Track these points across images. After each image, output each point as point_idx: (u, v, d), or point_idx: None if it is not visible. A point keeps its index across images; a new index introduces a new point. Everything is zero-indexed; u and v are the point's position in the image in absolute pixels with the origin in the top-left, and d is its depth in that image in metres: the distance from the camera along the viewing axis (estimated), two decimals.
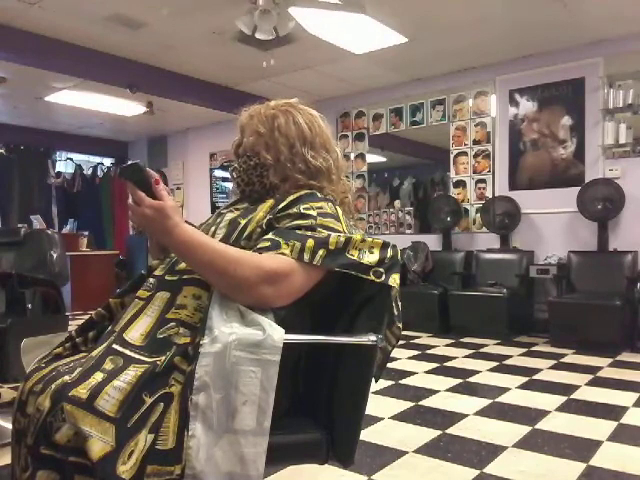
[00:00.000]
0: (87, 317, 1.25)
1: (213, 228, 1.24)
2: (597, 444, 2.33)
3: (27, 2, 4.05)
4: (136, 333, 1.07)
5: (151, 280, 1.17)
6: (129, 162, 1.04)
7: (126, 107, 6.70)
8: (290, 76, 5.79)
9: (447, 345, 4.56)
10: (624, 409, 2.80)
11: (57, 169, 8.51)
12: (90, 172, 8.87)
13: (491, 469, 2.06)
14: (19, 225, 4.42)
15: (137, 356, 1.03)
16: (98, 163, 8.98)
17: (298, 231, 1.09)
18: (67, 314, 2.86)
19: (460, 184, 5.79)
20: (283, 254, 1.04)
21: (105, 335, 1.12)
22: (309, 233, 1.09)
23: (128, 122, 7.50)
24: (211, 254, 1.02)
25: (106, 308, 1.24)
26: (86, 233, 7.32)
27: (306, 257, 1.05)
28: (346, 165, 1.43)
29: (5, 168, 7.80)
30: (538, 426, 2.56)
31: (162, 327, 1.07)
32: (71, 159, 8.71)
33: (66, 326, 2.70)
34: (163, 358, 1.00)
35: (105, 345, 1.07)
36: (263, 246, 1.07)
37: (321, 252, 1.06)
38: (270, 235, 1.10)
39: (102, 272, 7.06)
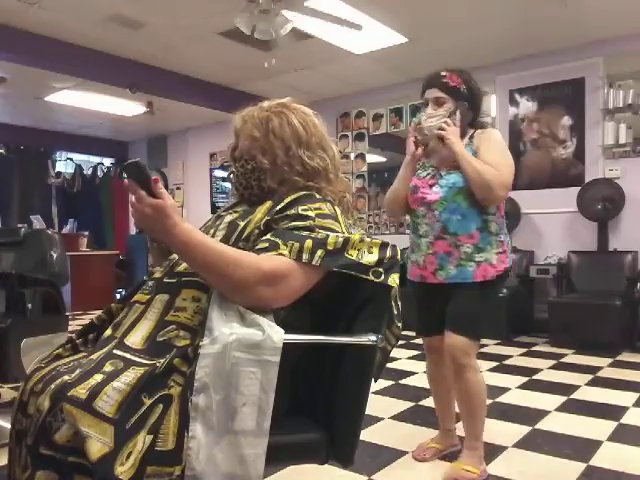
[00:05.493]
0: (88, 321, 1.25)
1: (212, 230, 1.23)
2: (597, 444, 2.32)
3: (27, 2, 4.04)
4: (137, 337, 1.08)
5: (150, 283, 1.17)
6: (131, 160, 1.04)
7: (126, 107, 6.70)
8: (290, 76, 5.78)
9: None
10: (624, 409, 2.80)
11: (57, 169, 8.51)
12: (90, 172, 8.87)
13: (491, 469, 2.06)
14: (19, 225, 4.42)
15: (137, 359, 1.03)
16: (98, 163, 8.98)
17: (296, 232, 1.09)
18: (67, 314, 2.85)
19: None
20: (282, 255, 1.04)
21: (105, 340, 1.12)
22: (308, 234, 1.08)
23: (128, 122, 7.49)
24: (211, 254, 1.02)
25: (107, 312, 1.24)
26: (86, 233, 7.33)
27: (305, 257, 1.05)
28: (344, 162, 1.42)
29: (5, 168, 7.81)
30: (538, 426, 2.55)
31: (162, 330, 1.07)
32: (71, 159, 8.71)
33: (66, 326, 2.70)
34: (163, 361, 1.01)
35: (106, 350, 1.07)
36: (262, 247, 1.07)
37: (320, 252, 1.06)
38: (269, 236, 1.09)
39: (102, 272, 7.06)
